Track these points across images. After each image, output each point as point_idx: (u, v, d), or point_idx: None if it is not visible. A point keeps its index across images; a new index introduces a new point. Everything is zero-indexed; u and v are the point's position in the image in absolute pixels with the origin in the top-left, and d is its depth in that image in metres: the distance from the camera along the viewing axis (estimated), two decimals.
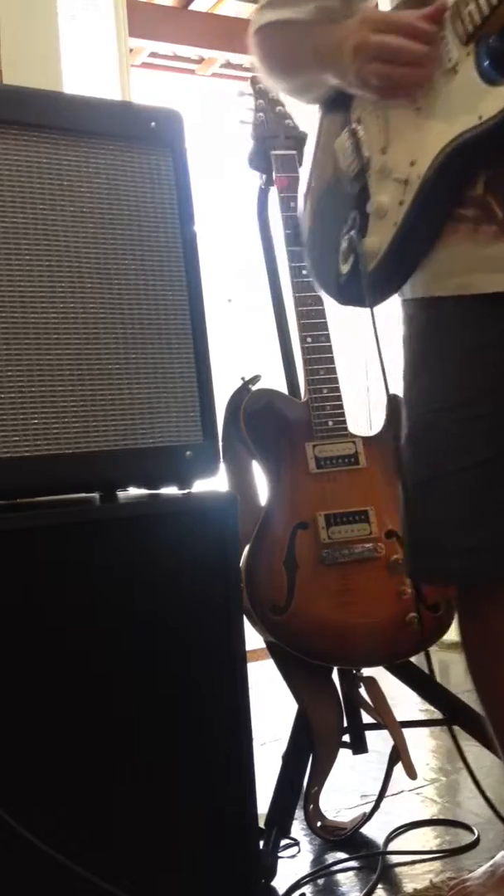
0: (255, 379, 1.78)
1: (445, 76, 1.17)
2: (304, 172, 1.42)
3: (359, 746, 1.79)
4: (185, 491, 1.30)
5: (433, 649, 1.68)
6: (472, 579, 1.31)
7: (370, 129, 1.29)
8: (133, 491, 1.36)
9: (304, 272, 1.74)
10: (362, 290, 1.29)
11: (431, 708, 1.81)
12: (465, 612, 1.36)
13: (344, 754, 1.77)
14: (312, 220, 1.41)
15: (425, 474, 1.29)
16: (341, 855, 1.64)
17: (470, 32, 1.12)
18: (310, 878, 1.55)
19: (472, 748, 1.63)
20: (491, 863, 1.41)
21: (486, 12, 1.09)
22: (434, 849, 1.63)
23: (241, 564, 1.47)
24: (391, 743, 1.70)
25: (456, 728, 1.65)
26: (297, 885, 1.53)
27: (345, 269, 1.32)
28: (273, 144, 1.82)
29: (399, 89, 1.20)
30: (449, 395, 1.25)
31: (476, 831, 1.65)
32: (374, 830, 1.70)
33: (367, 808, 1.72)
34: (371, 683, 1.72)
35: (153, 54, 4.42)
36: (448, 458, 1.25)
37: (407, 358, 1.33)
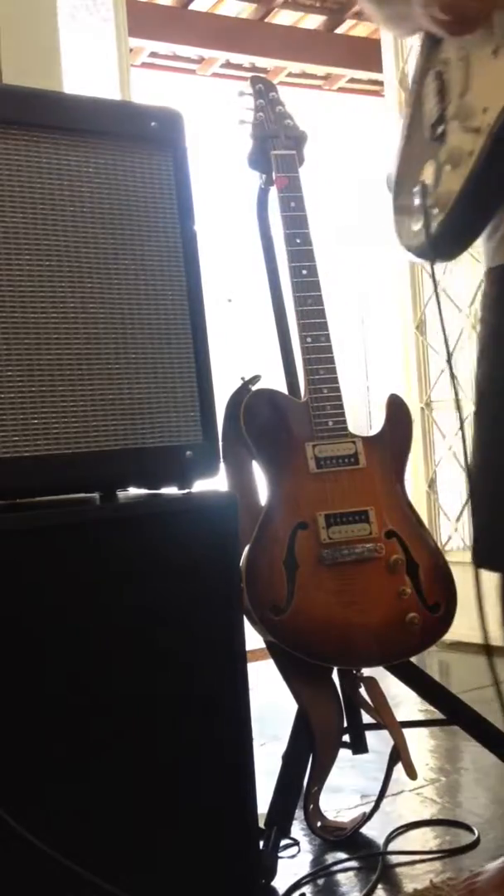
0: (255, 379, 1.77)
1: None
2: (402, 118, 1.35)
3: (359, 746, 1.79)
4: (185, 491, 1.30)
5: (433, 649, 1.68)
6: None
7: (453, 72, 1.22)
8: (133, 491, 1.36)
9: (304, 272, 1.74)
10: (435, 241, 1.22)
11: (431, 708, 1.81)
12: None
13: (344, 754, 1.77)
14: (399, 166, 1.33)
15: (491, 460, 1.24)
16: (341, 855, 1.64)
17: None
18: (310, 878, 1.55)
19: (473, 748, 1.63)
20: (499, 860, 1.41)
21: None
22: (434, 849, 1.63)
23: (241, 564, 1.47)
24: (391, 743, 1.70)
25: (456, 728, 1.65)
26: (297, 885, 1.52)
27: (416, 220, 1.25)
28: (273, 144, 1.82)
29: (470, 22, 1.12)
30: None
31: (476, 831, 1.65)
32: (374, 830, 1.70)
33: (367, 808, 1.72)
34: (371, 683, 1.72)
35: (153, 54, 4.42)
36: None
37: (480, 332, 1.27)
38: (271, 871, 1.52)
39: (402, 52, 3.25)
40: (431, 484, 3.26)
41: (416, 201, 1.24)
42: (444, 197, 1.20)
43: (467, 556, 1.38)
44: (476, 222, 1.20)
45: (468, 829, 1.68)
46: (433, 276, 1.26)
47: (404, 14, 1.23)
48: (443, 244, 1.22)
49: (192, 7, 4.21)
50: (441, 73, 1.24)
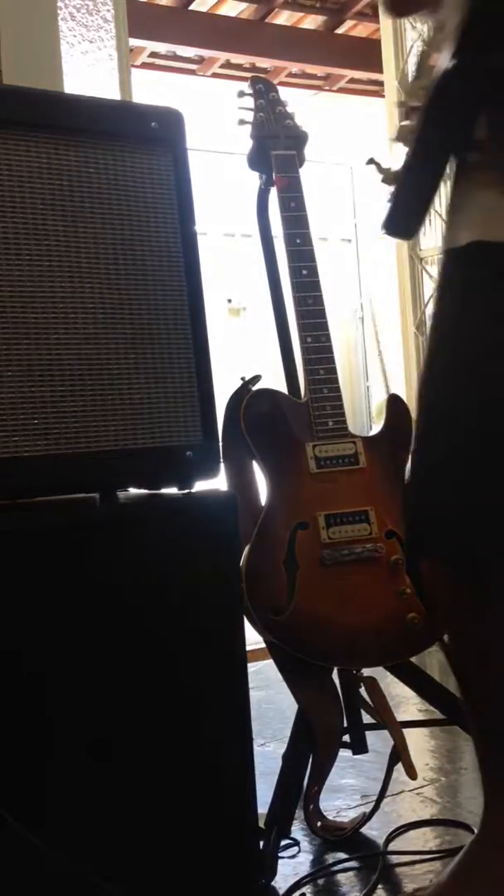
0: (255, 379, 1.77)
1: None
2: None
3: (359, 746, 1.79)
4: (186, 491, 1.30)
5: (433, 649, 1.68)
6: (477, 562, 1.27)
7: (427, 52, 1.25)
8: (133, 491, 1.36)
9: (305, 272, 1.74)
10: (388, 217, 1.24)
11: (431, 708, 1.81)
12: (455, 586, 1.34)
13: (344, 754, 1.77)
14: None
15: (435, 450, 1.25)
16: (341, 855, 1.64)
17: None
18: (310, 878, 1.55)
19: (473, 748, 1.63)
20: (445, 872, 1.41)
21: None
22: (434, 849, 1.63)
23: (241, 564, 1.47)
24: (391, 743, 1.70)
25: (456, 728, 1.65)
26: (297, 885, 1.52)
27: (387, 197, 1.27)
28: (273, 144, 1.82)
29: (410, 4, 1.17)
30: (469, 360, 1.20)
31: (476, 831, 1.65)
32: (374, 830, 1.70)
33: (367, 808, 1.72)
34: (371, 683, 1.72)
35: (153, 54, 4.42)
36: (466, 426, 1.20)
37: (433, 314, 1.28)
38: (271, 871, 1.52)
39: (402, 52, 3.25)
40: None
41: (378, 180, 1.29)
42: (390, 174, 1.23)
43: None
44: (414, 199, 1.21)
45: (468, 829, 1.68)
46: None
47: None
48: (393, 222, 1.24)
49: (192, 7, 4.22)
50: (422, 52, 1.30)
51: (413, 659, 1.77)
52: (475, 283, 1.19)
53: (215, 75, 4.73)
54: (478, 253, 1.18)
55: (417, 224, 1.24)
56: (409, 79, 1.28)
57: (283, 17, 4.60)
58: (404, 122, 1.23)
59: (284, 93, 1.87)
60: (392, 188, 1.24)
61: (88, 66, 2.57)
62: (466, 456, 1.21)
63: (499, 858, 1.35)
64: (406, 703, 1.96)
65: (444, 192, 1.22)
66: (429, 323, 3.11)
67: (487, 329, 1.18)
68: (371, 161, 1.32)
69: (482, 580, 1.30)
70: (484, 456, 1.20)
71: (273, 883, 1.51)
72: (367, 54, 4.49)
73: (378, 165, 1.29)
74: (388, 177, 1.25)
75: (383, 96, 3.66)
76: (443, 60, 1.11)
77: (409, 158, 1.18)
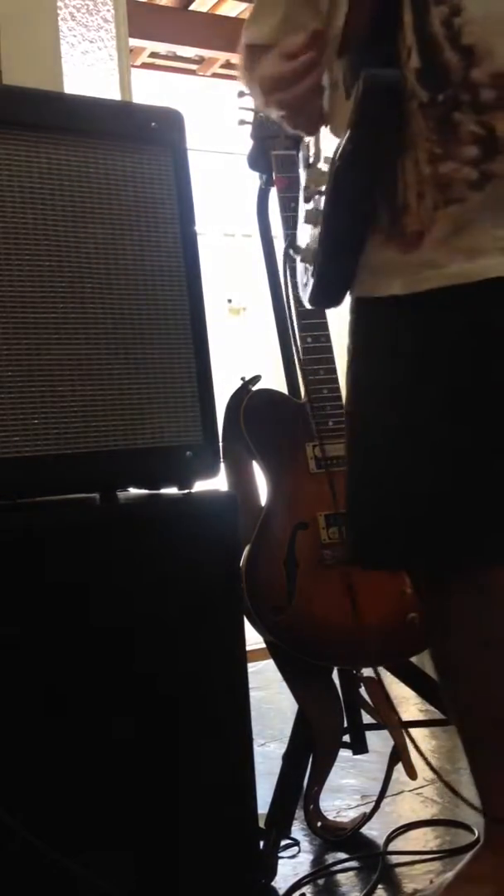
0: (255, 379, 1.77)
1: (334, 92, 1.21)
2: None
3: (359, 746, 1.79)
4: (185, 491, 1.30)
5: None
6: (410, 563, 1.38)
7: (312, 141, 1.32)
8: (133, 491, 1.36)
9: None
10: (313, 293, 1.34)
11: (431, 708, 1.81)
12: (423, 591, 1.41)
13: (344, 754, 1.77)
14: (294, 232, 1.45)
15: (358, 472, 1.34)
16: (341, 855, 1.64)
17: (339, 48, 1.17)
18: (310, 878, 1.55)
19: None
20: (443, 878, 1.42)
21: (341, 26, 1.14)
22: (434, 849, 1.63)
23: (241, 564, 1.47)
24: (391, 743, 1.70)
25: (455, 728, 1.65)
26: (297, 885, 1.52)
27: (304, 275, 1.37)
28: (273, 144, 1.82)
29: (314, 125, 1.25)
30: (369, 398, 1.31)
31: (476, 831, 1.64)
32: (374, 830, 1.70)
33: (367, 808, 1.72)
34: (371, 683, 1.72)
35: (153, 54, 4.42)
36: (377, 454, 1.30)
37: (347, 358, 1.39)
38: (271, 871, 1.52)
39: None
40: None
41: (297, 262, 1.37)
42: (309, 253, 1.31)
43: None
44: (336, 272, 1.30)
45: (468, 829, 1.68)
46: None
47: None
48: (319, 293, 1.34)
49: (192, 7, 4.21)
50: (309, 144, 1.35)
51: (413, 659, 1.77)
52: (362, 329, 1.32)
53: (215, 75, 4.73)
54: (359, 306, 1.31)
55: (342, 294, 1.35)
56: (305, 165, 1.38)
57: None
58: (309, 207, 1.30)
59: None
60: (311, 265, 1.32)
61: (88, 66, 2.57)
62: (376, 470, 1.32)
63: (500, 864, 1.36)
64: (406, 703, 1.96)
65: None
66: None
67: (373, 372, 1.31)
68: (290, 245, 1.40)
69: (442, 595, 1.34)
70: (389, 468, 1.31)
71: (273, 883, 1.51)
72: None
73: (296, 248, 1.36)
74: (307, 255, 1.32)
75: None
76: (335, 145, 1.20)
77: (323, 237, 1.25)
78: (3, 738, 1.12)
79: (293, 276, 1.44)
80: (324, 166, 1.27)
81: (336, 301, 1.38)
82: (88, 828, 1.17)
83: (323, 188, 1.26)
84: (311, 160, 1.33)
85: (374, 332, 1.31)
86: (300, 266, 1.37)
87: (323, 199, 1.26)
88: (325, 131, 1.31)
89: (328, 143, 1.33)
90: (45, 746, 1.15)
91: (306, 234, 1.34)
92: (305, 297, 1.38)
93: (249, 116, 1.85)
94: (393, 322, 1.27)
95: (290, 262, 1.43)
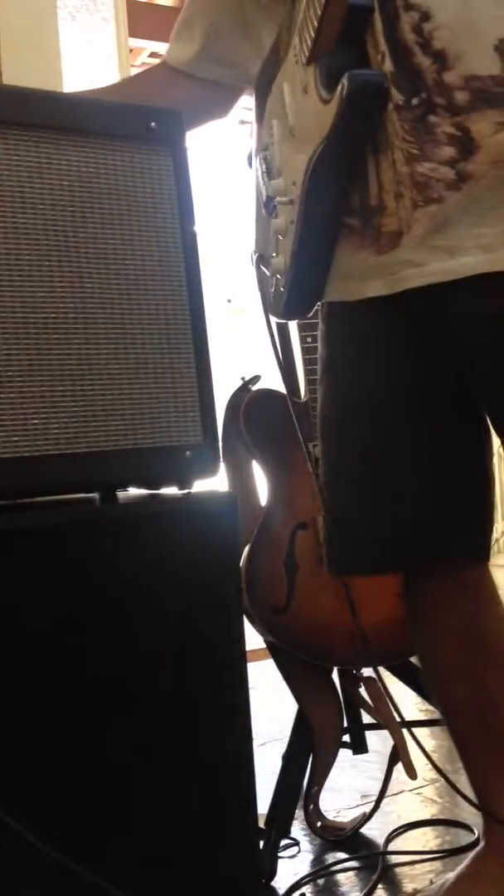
0: (255, 379, 1.78)
1: (302, 99, 1.21)
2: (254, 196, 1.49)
3: (359, 746, 1.80)
4: (185, 491, 1.30)
5: None
6: (387, 568, 1.43)
7: (274, 153, 1.33)
8: (133, 491, 1.36)
9: None
10: (285, 306, 1.35)
11: (431, 708, 1.81)
12: (407, 595, 1.44)
13: (344, 754, 1.77)
14: (256, 242, 1.46)
15: (332, 474, 1.37)
16: (341, 855, 1.64)
17: (308, 55, 1.17)
18: (310, 878, 1.55)
19: None
20: (444, 878, 1.42)
21: (314, 34, 1.14)
22: (434, 849, 1.63)
23: (241, 564, 1.47)
24: (391, 743, 1.70)
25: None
26: (297, 885, 1.53)
27: (271, 287, 1.38)
28: None
29: None
30: (342, 401, 1.34)
31: (476, 831, 1.65)
32: (374, 830, 1.70)
33: (367, 808, 1.72)
34: (371, 683, 1.72)
35: (153, 54, 4.42)
36: (352, 457, 1.34)
37: (318, 366, 1.41)
38: (271, 871, 1.52)
39: None
40: None
41: (264, 272, 1.39)
42: (281, 264, 1.32)
43: None
44: (309, 282, 1.31)
45: (468, 829, 1.68)
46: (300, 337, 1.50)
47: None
48: (291, 306, 1.35)
49: None
50: (265, 157, 1.37)
51: (413, 659, 1.77)
52: (338, 336, 1.35)
53: None
54: (332, 313, 1.34)
55: (311, 305, 1.37)
56: (266, 178, 1.38)
57: None
58: (276, 219, 1.31)
59: None
60: (281, 276, 1.33)
61: (88, 67, 2.57)
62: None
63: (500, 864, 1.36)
64: (406, 703, 1.96)
65: None
66: None
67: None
68: (260, 260, 1.41)
69: (426, 596, 1.36)
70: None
71: (273, 883, 1.51)
72: None
73: (266, 261, 1.38)
74: (278, 267, 1.33)
75: None
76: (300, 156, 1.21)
77: (297, 246, 1.27)
78: (1, 739, 1.12)
79: (261, 289, 1.44)
80: (288, 177, 1.27)
81: (308, 310, 1.39)
82: (87, 827, 1.17)
83: (286, 198, 1.27)
84: (274, 173, 1.33)
85: (351, 337, 1.31)
86: (270, 280, 1.37)
87: (288, 208, 1.27)
88: (278, 147, 1.32)
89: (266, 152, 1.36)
90: (44, 746, 1.15)
91: (274, 246, 1.34)
92: (278, 309, 1.38)
93: (249, 116, 1.85)
94: (371, 326, 1.27)
95: (259, 276, 1.44)
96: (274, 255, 1.34)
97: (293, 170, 1.25)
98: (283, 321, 1.85)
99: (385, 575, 1.53)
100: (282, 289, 1.33)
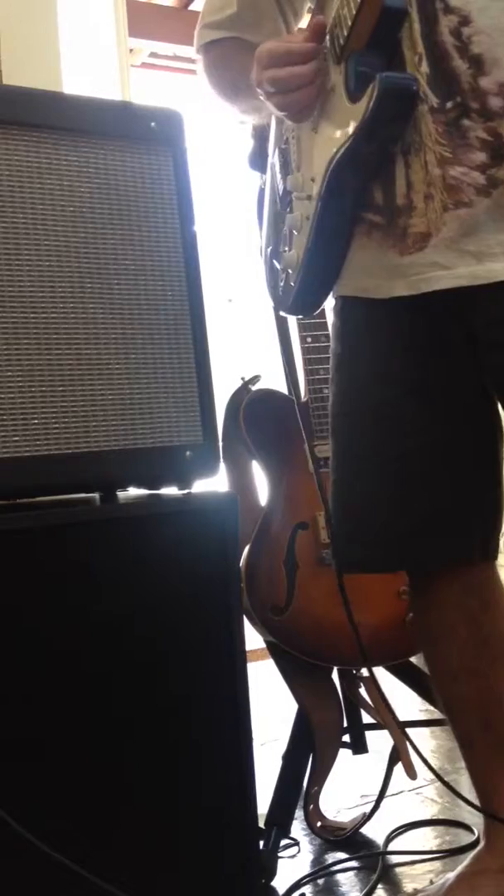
0: (255, 379, 1.78)
1: (329, 96, 1.21)
2: (266, 190, 1.48)
3: (359, 746, 1.79)
4: (185, 491, 1.30)
5: None
6: (391, 567, 1.42)
7: (292, 148, 1.33)
8: (133, 491, 1.36)
9: None
10: (294, 301, 1.35)
11: (431, 708, 1.81)
12: (412, 593, 1.44)
13: (344, 754, 1.77)
14: (266, 237, 1.45)
15: (345, 471, 1.35)
16: (341, 855, 1.64)
17: (338, 53, 1.17)
18: (310, 878, 1.55)
19: None
20: (444, 878, 1.42)
21: (346, 33, 1.14)
22: (434, 849, 1.63)
23: (241, 564, 1.47)
24: (391, 743, 1.70)
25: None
26: (297, 885, 1.52)
27: (281, 281, 1.37)
28: None
29: (304, 111, 1.25)
30: (357, 398, 1.32)
31: (476, 831, 1.65)
32: (374, 830, 1.70)
33: (367, 808, 1.72)
34: (371, 683, 1.72)
35: (153, 54, 4.42)
36: (365, 454, 1.32)
37: (331, 360, 1.39)
38: (271, 871, 1.52)
39: None
40: None
41: (275, 266, 1.39)
42: (293, 259, 1.32)
43: None
44: (322, 277, 1.32)
45: (468, 829, 1.68)
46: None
47: (257, 106, 1.34)
48: (301, 300, 1.35)
49: (192, 7, 4.21)
50: (285, 150, 1.36)
51: (413, 659, 1.77)
52: (354, 332, 1.33)
53: None
54: (344, 306, 1.33)
55: (321, 301, 1.38)
56: (285, 173, 1.37)
57: None
58: (291, 213, 1.32)
59: None
60: (291, 270, 1.33)
61: (88, 67, 2.57)
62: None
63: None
64: (406, 703, 1.96)
65: None
66: None
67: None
68: (273, 255, 1.40)
69: (432, 595, 1.36)
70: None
71: (273, 883, 1.51)
72: None
73: (279, 256, 1.37)
74: (290, 263, 1.33)
75: None
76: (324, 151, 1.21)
77: (312, 241, 1.26)
78: (2, 738, 1.12)
79: (270, 284, 1.44)
80: (307, 172, 1.27)
81: (317, 306, 1.39)
82: (88, 827, 1.17)
83: (304, 194, 1.26)
84: (292, 167, 1.33)
85: (366, 334, 1.31)
86: (280, 274, 1.37)
87: (305, 204, 1.27)
88: (299, 141, 1.31)
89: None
90: (44, 746, 1.15)
91: (287, 241, 1.34)
92: (286, 304, 1.38)
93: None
94: (387, 323, 1.27)
95: (267, 270, 1.43)
96: (286, 249, 1.34)
97: (313, 165, 1.25)
98: (285, 317, 1.86)
99: (393, 573, 1.53)
100: (292, 283, 1.33)
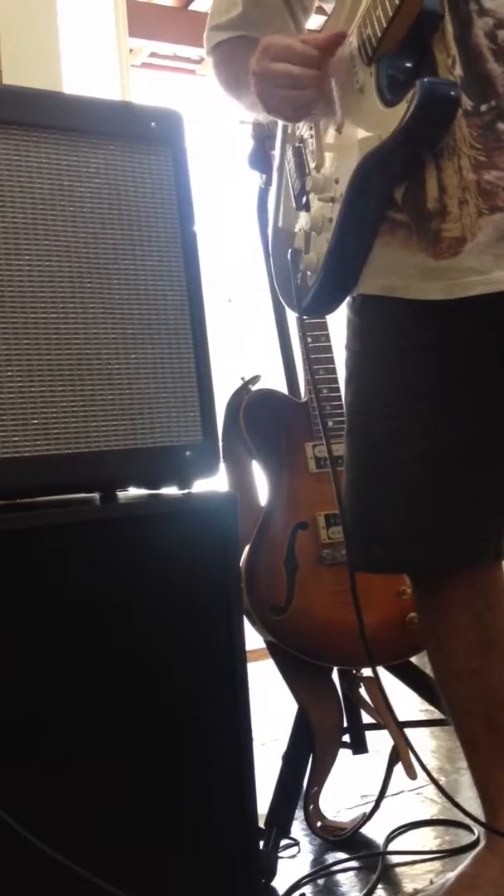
0: (255, 379, 1.77)
1: (356, 97, 1.20)
2: (272, 187, 1.48)
3: (359, 746, 1.79)
4: (185, 491, 1.30)
5: None
6: (406, 567, 1.41)
7: (309, 147, 1.32)
8: (133, 491, 1.36)
9: None
10: (311, 302, 1.34)
11: (431, 708, 1.81)
12: (418, 593, 1.43)
13: (344, 754, 1.77)
14: (275, 236, 1.45)
15: (361, 471, 1.34)
16: (341, 855, 1.64)
17: (370, 54, 1.16)
18: (310, 878, 1.55)
19: None
20: (444, 878, 1.42)
21: (379, 34, 1.13)
22: (434, 849, 1.63)
23: (241, 564, 1.47)
24: (391, 743, 1.70)
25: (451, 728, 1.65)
26: (297, 885, 1.52)
27: (296, 282, 1.37)
28: (273, 144, 1.82)
29: (301, 111, 1.25)
30: (377, 397, 1.31)
31: (476, 831, 1.65)
32: (374, 830, 1.70)
33: (367, 808, 1.72)
34: (371, 683, 1.72)
35: (153, 54, 4.42)
36: (382, 453, 1.30)
37: (345, 359, 1.38)
38: (271, 871, 1.52)
39: None
40: None
41: (291, 266, 1.37)
42: (313, 261, 1.31)
43: None
44: (342, 279, 1.31)
45: (468, 829, 1.68)
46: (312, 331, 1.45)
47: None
48: (319, 302, 1.35)
49: (192, 7, 4.21)
50: (299, 149, 1.35)
51: (413, 659, 1.77)
52: (378, 330, 1.32)
53: None
54: (365, 304, 1.31)
55: (338, 303, 1.37)
56: (302, 173, 1.37)
57: None
58: (308, 213, 1.31)
59: None
60: (310, 272, 1.32)
61: (88, 67, 2.57)
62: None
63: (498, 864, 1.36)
64: (406, 703, 1.95)
65: None
66: None
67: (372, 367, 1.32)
68: (294, 256, 1.38)
69: (438, 595, 1.36)
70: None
71: (273, 883, 1.51)
72: None
73: (298, 255, 1.36)
74: (310, 264, 1.32)
75: None
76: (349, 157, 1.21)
77: (336, 242, 1.26)
78: (2, 737, 1.12)
79: (282, 285, 1.43)
80: (330, 173, 1.26)
81: (334, 307, 1.38)
82: (87, 828, 1.17)
83: (326, 195, 1.26)
84: (312, 167, 1.32)
85: (388, 333, 1.30)
86: (295, 275, 1.36)
87: (327, 205, 1.26)
88: (320, 141, 1.30)
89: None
90: (44, 745, 1.15)
91: (304, 242, 1.33)
92: (300, 305, 1.37)
93: (249, 116, 1.85)
94: (411, 323, 1.26)
95: (278, 272, 1.43)
96: (303, 250, 1.33)
97: (337, 167, 1.24)
98: (285, 318, 1.85)
99: (406, 573, 1.52)
100: (309, 284, 1.32)
